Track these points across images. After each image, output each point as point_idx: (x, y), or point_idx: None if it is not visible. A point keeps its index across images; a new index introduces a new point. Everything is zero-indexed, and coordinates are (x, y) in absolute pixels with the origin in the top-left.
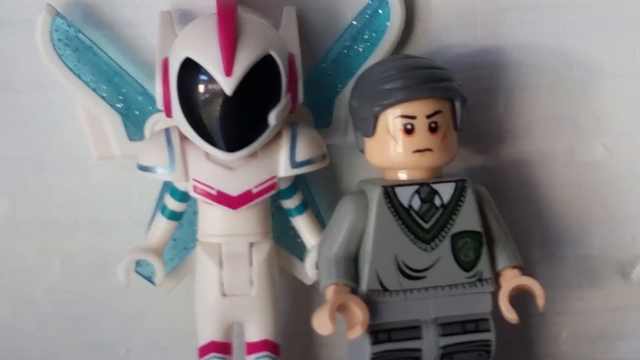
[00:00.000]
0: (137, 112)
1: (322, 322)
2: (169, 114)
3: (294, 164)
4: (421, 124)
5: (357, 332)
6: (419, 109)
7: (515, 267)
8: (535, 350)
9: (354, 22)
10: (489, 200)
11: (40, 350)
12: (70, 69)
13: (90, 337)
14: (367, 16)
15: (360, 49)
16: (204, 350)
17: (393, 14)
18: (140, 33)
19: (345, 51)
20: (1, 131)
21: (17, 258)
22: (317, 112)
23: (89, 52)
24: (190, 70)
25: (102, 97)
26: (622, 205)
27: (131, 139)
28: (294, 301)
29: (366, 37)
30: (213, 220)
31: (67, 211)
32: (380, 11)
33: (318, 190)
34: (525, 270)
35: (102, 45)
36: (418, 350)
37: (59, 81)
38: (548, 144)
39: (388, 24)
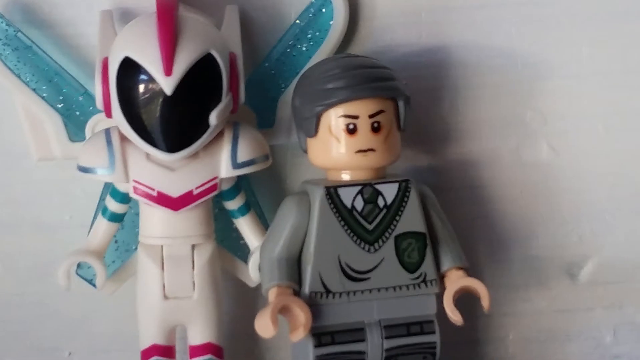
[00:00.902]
0: (78, 113)
1: (264, 325)
2: (109, 114)
3: (236, 165)
4: (364, 124)
5: (300, 334)
6: (362, 108)
7: (460, 268)
8: (483, 351)
9: (297, 21)
10: (433, 200)
11: None
12: (10, 69)
13: (33, 340)
14: (311, 15)
15: (304, 48)
16: (147, 353)
17: (336, 13)
18: (81, 32)
19: (289, 50)
20: None
21: None
22: (261, 112)
23: (29, 51)
24: (129, 69)
25: (43, 98)
26: (568, 205)
27: (72, 140)
28: (237, 303)
29: (309, 36)
30: (154, 222)
31: (8, 212)
32: (323, 10)
33: (261, 191)
34: (471, 271)
35: (43, 45)
36: (362, 352)
37: None
38: (494, 143)
39: (331, 23)
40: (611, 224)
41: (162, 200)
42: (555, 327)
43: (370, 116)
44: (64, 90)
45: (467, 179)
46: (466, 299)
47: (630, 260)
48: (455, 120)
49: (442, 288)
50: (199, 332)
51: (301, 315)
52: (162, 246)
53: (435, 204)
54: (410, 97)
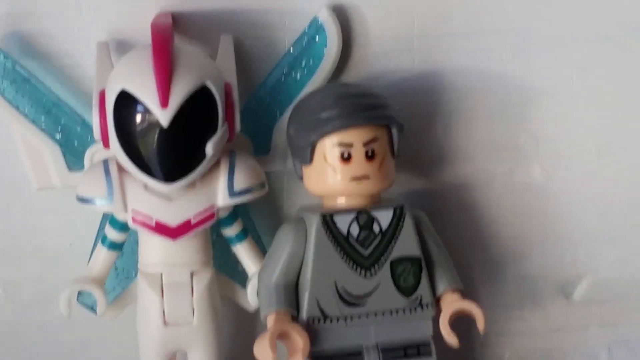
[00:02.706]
0: (76, 143)
1: (263, 350)
2: (106, 145)
3: (232, 193)
4: (358, 152)
5: (298, 359)
6: (356, 136)
7: (455, 290)
8: None
9: (291, 50)
10: (427, 224)
11: None
12: (8, 101)
13: None
14: (304, 43)
15: (298, 76)
16: None
17: (330, 41)
18: (79, 63)
19: (283, 79)
20: None
21: None
22: (256, 140)
23: (27, 83)
24: (126, 102)
25: (41, 129)
26: (561, 225)
27: (71, 169)
28: (237, 328)
29: (303, 64)
30: (153, 250)
31: (9, 241)
32: (317, 38)
33: (259, 216)
34: (466, 292)
35: (41, 76)
36: None
37: None
38: (487, 166)
39: (325, 50)
40: (604, 243)
41: (161, 229)
42: (551, 346)
43: (365, 144)
44: (62, 121)
45: (461, 202)
46: (462, 320)
47: (624, 279)
48: (449, 144)
49: (438, 311)
50: (200, 357)
51: (299, 340)
52: (161, 274)
53: (429, 227)
54: (403, 124)
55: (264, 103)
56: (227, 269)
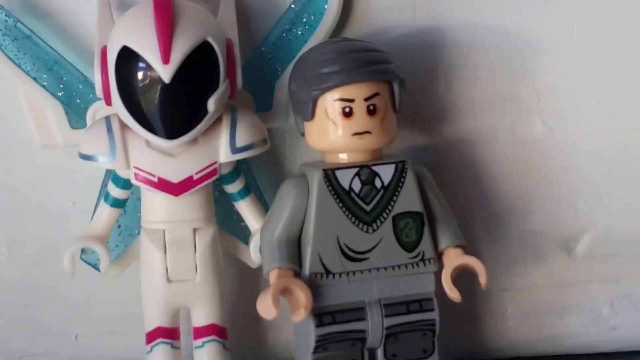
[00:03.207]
0: (78, 100)
1: (265, 307)
2: (108, 102)
3: (235, 149)
4: (359, 107)
5: (301, 315)
6: (357, 92)
7: (457, 246)
8: (482, 326)
9: (292, 5)
10: (429, 180)
11: None
12: (10, 59)
13: (39, 324)
14: None
15: (300, 32)
16: (152, 335)
17: None
18: (80, 21)
19: (285, 34)
20: None
21: None
22: (258, 96)
23: (29, 41)
24: (127, 58)
25: (43, 86)
26: (563, 181)
27: (73, 127)
28: (240, 285)
29: (305, 20)
30: (155, 207)
31: (12, 199)
32: None
33: (261, 173)
34: (469, 248)
35: (42, 34)
36: (362, 331)
37: (0, 70)
38: (489, 122)
39: (326, 6)
40: (606, 198)
41: (163, 185)
42: (553, 301)
43: (366, 99)
44: (64, 78)
45: (463, 157)
46: (464, 275)
47: (626, 234)
48: (451, 99)
49: (440, 266)
50: (203, 314)
51: (302, 296)
52: (164, 230)
53: (432, 183)
54: (405, 79)
55: (265, 59)
56: (229, 226)
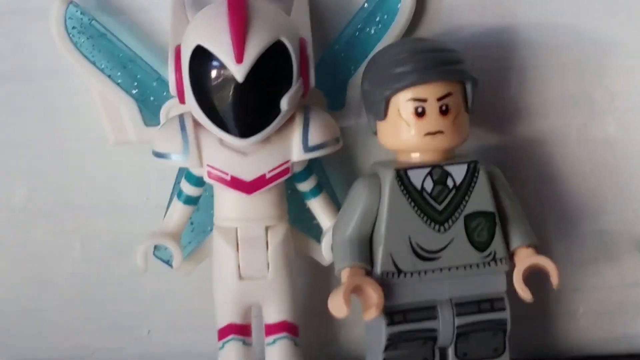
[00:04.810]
0: (152, 98)
1: (337, 305)
2: (182, 100)
3: (307, 148)
4: (432, 107)
5: (372, 314)
6: (430, 92)
7: (529, 246)
8: (553, 326)
9: (366, 5)
10: (501, 180)
11: (62, 333)
12: (85, 57)
13: (112, 319)
14: None
15: (372, 31)
16: (224, 332)
17: None
18: (154, 19)
19: (358, 34)
20: (20, 118)
21: (38, 242)
22: (331, 95)
23: (103, 39)
24: (201, 57)
25: (118, 84)
26: (636, 180)
27: (147, 125)
28: (312, 282)
29: (378, 19)
30: (228, 205)
31: (85, 195)
32: None
33: (333, 172)
34: (541, 248)
35: (116, 32)
36: (434, 330)
37: (75, 68)
38: (562, 122)
39: (399, 5)
40: None
41: (236, 184)
42: (626, 301)
43: (439, 99)
44: (138, 76)
45: (535, 157)
46: (536, 275)
47: None
48: (523, 99)
49: (512, 266)
50: (274, 311)
51: (373, 295)
52: (236, 228)
53: (504, 183)
54: (477, 79)
55: (338, 58)
56: (301, 224)
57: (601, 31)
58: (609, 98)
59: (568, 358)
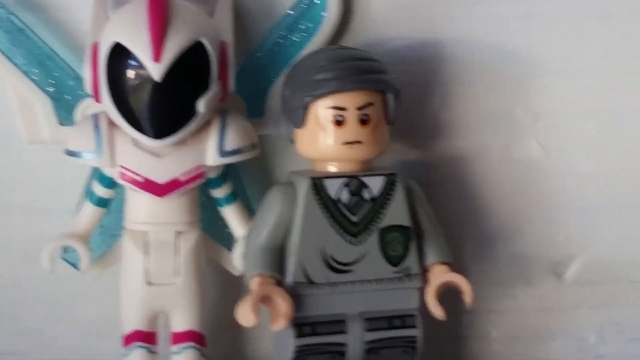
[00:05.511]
0: (68, 97)
1: (244, 314)
2: (97, 99)
3: (223, 153)
4: (352, 116)
5: (280, 324)
6: (350, 100)
7: (444, 263)
8: (466, 348)
9: (291, 12)
10: (419, 194)
11: None
12: (1, 51)
13: (18, 323)
14: (304, 6)
15: (296, 39)
16: (129, 339)
17: (330, 5)
18: (75, 18)
19: (281, 41)
20: None
21: None
22: (251, 102)
23: (21, 34)
24: (119, 55)
25: (33, 81)
26: (556, 203)
27: (62, 124)
28: (222, 292)
29: (302, 27)
30: (140, 208)
31: None
32: (317, 1)
33: (249, 180)
34: (457, 267)
35: (35, 29)
36: (343, 344)
37: None
38: (484, 140)
39: (324, 14)
40: (599, 223)
41: (148, 186)
42: (540, 326)
43: (359, 108)
44: (55, 74)
45: (456, 174)
46: (451, 295)
47: (617, 260)
48: (446, 115)
49: (426, 282)
50: (182, 319)
51: (283, 305)
52: (147, 232)
53: (421, 198)
54: (399, 91)
55: (260, 65)
56: (214, 232)
57: (526, 50)
58: (531, 118)
59: None
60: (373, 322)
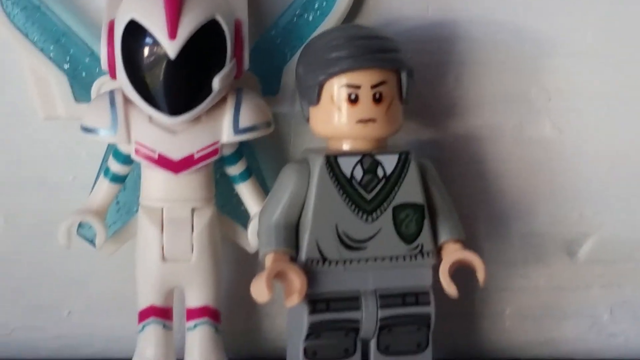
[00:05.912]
0: (84, 74)
1: (259, 290)
2: (113, 75)
3: (237, 130)
4: (366, 94)
5: (294, 300)
6: (364, 78)
7: (457, 241)
8: (479, 325)
9: None
10: (432, 173)
11: None
12: (18, 28)
13: (32, 298)
14: None
15: (310, 18)
16: (144, 314)
17: None
18: None
19: (295, 19)
20: None
21: None
22: (265, 80)
23: (37, 11)
24: (134, 32)
25: (50, 58)
26: (569, 183)
27: (77, 101)
28: (237, 269)
29: (316, 5)
30: (155, 185)
31: (12, 170)
32: None
33: (264, 158)
34: (470, 245)
35: (52, 6)
36: (356, 321)
37: (6, 40)
38: (497, 119)
39: None
40: (612, 202)
41: (163, 162)
42: (552, 304)
43: (373, 86)
44: (71, 51)
45: (469, 154)
46: (464, 273)
47: (630, 240)
48: (460, 95)
49: (439, 260)
50: (196, 295)
51: (296, 281)
52: (162, 208)
53: (435, 177)
54: (413, 69)
55: (274, 43)
56: (229, 209)
57: (540, 30)
58: (545, 98)
59: (492, 359)
60: (387, 298)
